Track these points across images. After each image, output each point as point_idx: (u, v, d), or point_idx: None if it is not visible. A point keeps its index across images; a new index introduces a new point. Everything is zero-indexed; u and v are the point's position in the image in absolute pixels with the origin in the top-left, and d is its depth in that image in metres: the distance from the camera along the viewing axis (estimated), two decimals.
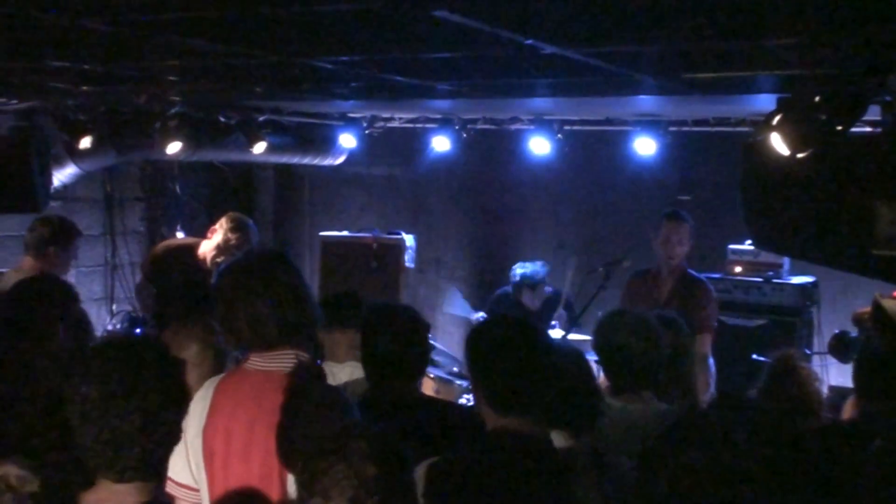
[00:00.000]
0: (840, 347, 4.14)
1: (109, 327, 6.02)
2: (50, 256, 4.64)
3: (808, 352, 5.39)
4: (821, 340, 5.57)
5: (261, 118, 6.02)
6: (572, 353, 2.82)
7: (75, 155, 5.81)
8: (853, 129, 3.10)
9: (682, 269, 5.07)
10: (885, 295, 3.60)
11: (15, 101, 5.39)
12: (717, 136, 5.70)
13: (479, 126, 6.27)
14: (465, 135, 6.27)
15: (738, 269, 5.86)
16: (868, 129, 4.08)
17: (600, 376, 3.28)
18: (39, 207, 5.29)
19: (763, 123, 3.14)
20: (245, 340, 2.49)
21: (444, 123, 6.21)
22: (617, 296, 5.27)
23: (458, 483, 2.21)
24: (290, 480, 2.40)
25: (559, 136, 5.90)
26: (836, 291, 5.86)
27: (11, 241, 4.96)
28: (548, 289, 5.94)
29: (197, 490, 2.49)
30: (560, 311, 5.64)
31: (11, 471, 1.75)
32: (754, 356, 4.96)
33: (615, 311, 3.21)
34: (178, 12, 2.60)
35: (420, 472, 2.06)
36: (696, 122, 5.62)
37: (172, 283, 3.81)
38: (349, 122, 6.70)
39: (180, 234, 7.07)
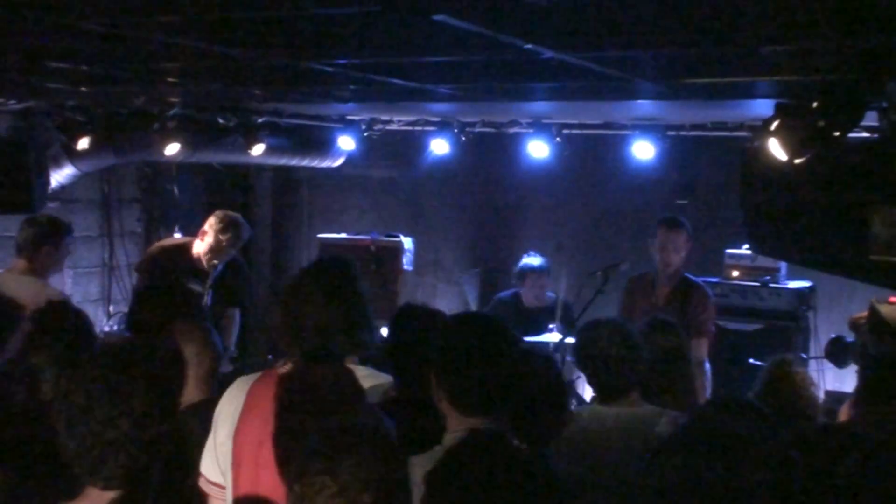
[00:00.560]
0: (836, 352, 4.15)
1: (106, 328, 6.01)
2: (42, 256, 4.62)
3: (804, 356, 5.40)
4: (817, 345, 5.57)
5: (259, 120, 6.03)
6: (542, 359, 2.82)
7: (73, 156, 5.80)
8: (850, 135, 3.11)
9: (679, 273, 5.08)
10: (882, 300, 3.61)
11: (13, 102, 5.39)
12: (714, 141, 5.71)
13: (478, 129, 6.27)
14: (463, 138, 6.28)
15: (735, 273, 5.87)
16: (865, 134, 4.09)
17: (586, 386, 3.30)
18: (37, 208, 5.28)
19: (761, 129, 3.15)
20: (307, 347, 2.40)
21: (443, 126, 6.22)
22: (615, 300, 5.27)
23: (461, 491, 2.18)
24: None
25: (558, 139, 5.91)
26: (832, 296, 5.87)
27: (9, 242, 4.94)
28: (549, 294, 5.94)
29: (224, 488, 2.44)
30: (558, 314, 5.64)
31: None
32: (751, 360, 4.98)
33: (592, 321, 3.25)
34: (177, 14, 2.61)
35: (417, 476, 2.04)
36: (694, 127, 5.63)
37: (150, 285, 3.76)
38: (348, 125, 6.70)
39: (178, 236, 7.06)
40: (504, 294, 6.08)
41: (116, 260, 6.92)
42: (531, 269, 5.85)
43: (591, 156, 6.41)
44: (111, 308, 6.81)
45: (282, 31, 2.84)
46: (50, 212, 5.47)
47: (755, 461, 2.00)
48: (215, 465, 2.43)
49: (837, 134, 2.82)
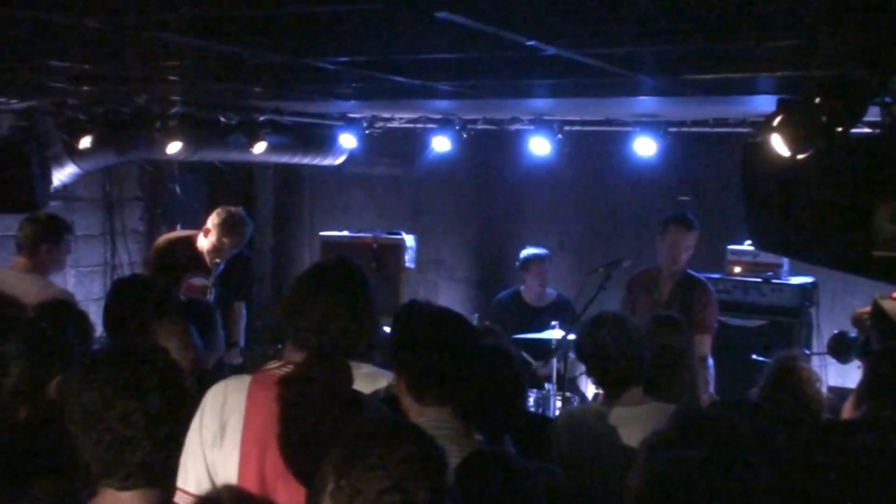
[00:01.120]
0: (839, 348, 4.14)
1: None
2: (42, 254, 4.63)
3: (806, 352, 5.40)
4: (820, 341, 5.57)
5: (261, 118, 6.03)
6: (502, 355, 2.83)
7: (75, 155, 5.80)
8: (853, 131, 3.11)
9: (682, 269, 5.08)
10: (885, 296, 3.61)
11: (15, 101, 5.39)
12: (716, 137, 5.70)
13: (480, 126, 6.27)
14: (465, 135, 6.28)
15: (737, 269, 5.87)
16: (867, 130, 4.08)
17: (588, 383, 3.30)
18: (39, 207, 5.28)
19: (764, 124, 3.15)
20: (309, 346, 2.36)
21: (445, 124, 6.22)
22: (617, 296, 5.27)
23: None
24: None
25: (559, 136, 5.90)
26: (835, 292, 5.87)
27: (11, 241, 4.95)
28: (552, 291, 5.93)
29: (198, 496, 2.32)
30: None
31: None
32: (753, 356, 4.97)
33: (594, 316, 3.25)
34: (179, 12, 2.61)
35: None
36: (696, 123, 5.62)
37: (132, 282, 3.71)
38: (349, 123, 6.70)
39: None
40: (504, 293, 6.08)
41: (119, 259, 6.93)
42: (534, 256, 5.86)
43: (593, 152, 6.40)
44: None
45: (284, 28, 2.84)
46: (52, 210, 5.47)
47: (750, 455, 2.00)
48: (205, 475, 2.29)
49: (840, 129, 2.81)
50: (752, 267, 5.81)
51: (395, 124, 6.69)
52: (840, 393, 4.24)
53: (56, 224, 4.77)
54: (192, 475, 2.28)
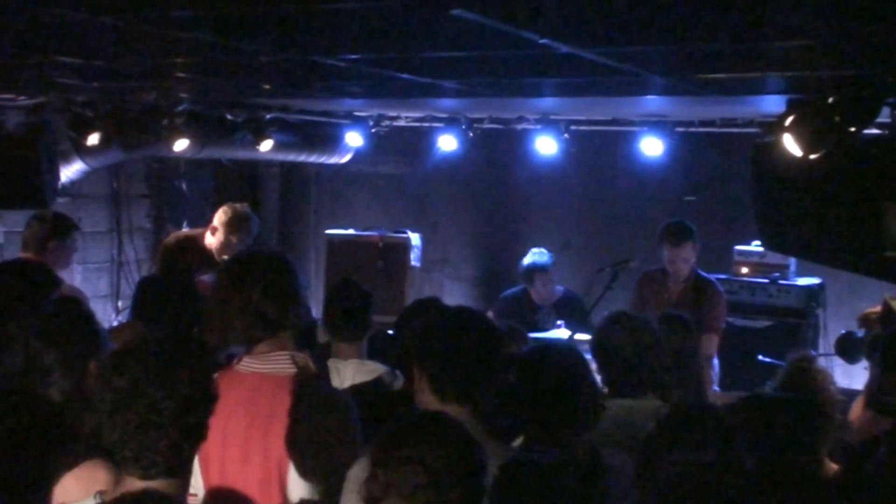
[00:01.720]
0: (847, 347, 4.13)
1: (115, 324, 6.02)
2: (49, 251, 4.64)
3: (813, 353, 5.39)
4: (826, 342, 5.57)
5: (268, 116, 6.03)
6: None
7: (82, 151, 5.81)
8: (863, 131, 3.10)
9: (692, 270, 5.08)
10: (895, 297, 3.60)
11: (24, 98, 5.39)
12: (723, 137, 5.70)
13: (486, 125, 6.27)
14: (471, 134, 6.28)
15: (744, 270, 5.86)
16: (877, 130, 4.08)
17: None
18: (47, 204, 5.29)
19: (775, 124, 3.14)
20: (233, 337, 2.47)
21: (451, 122, 6.22)
22: (624, 296, 5.27)
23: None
24: (291, 485, 2.37)
25: (566, 135, 5.90)
26: (841, 293, 5.86)
27: (19, 237, 4.97)
28: (559, 287, 5.91)
29: (196, 495, 2.41)
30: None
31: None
32: (760, 357, 4.97)
33: (613, 313, 3.24)
34: (188, 9, 2.60)
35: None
36: (703, 123, 5.62)
37: (154, 278, 3.79)
38: (355, 121, 6.70)
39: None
40: (510, 291, 6.06)
41: (125, 256, 6.94)
42: (538, 268, 5.78)
43: (599, 152, 6.40)
44: (120, 304, 6.83)
45: (297, 26, 2.84)
46: (59, 207, 5.48)
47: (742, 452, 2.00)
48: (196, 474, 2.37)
49: (853, 130, 2.81)
50: (759, 268, 5.81)
51: (401, 123, 6.70)
52: (847, 394, 4.24)
53: (62, 222, 4.79)
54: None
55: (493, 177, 7.23)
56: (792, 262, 5.75)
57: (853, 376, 5.06)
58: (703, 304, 4.88)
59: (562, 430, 2.52)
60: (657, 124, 5.65)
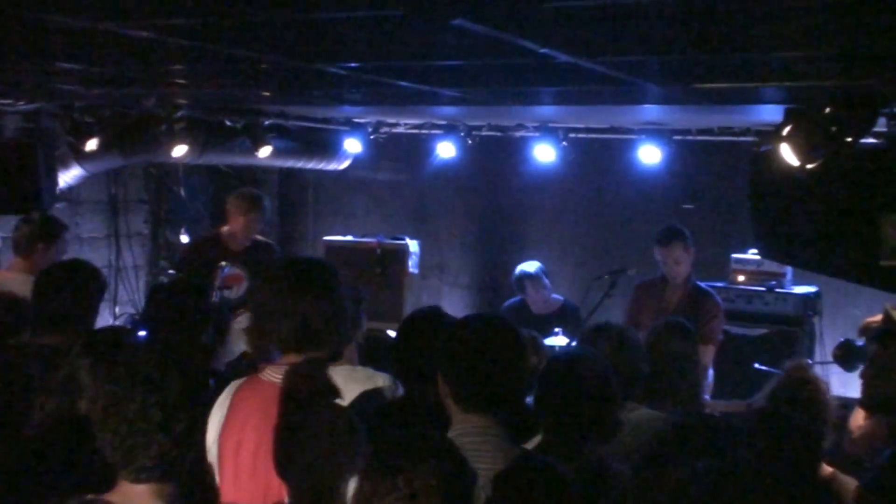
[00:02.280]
0: (845, 355, 4.14)
1: None
2: (38, 254, 4.62)
3: (809, 362, 5.40)
4: (822, 350, 5.58)
5: (266, 122, 6.04)
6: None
7: (81, 157, 5.81)
8: (860, 141, 3.12)
9: (690, 280, 5.08)
10: (895, 306, 3.61)
11: (22, 103, 5.41)
12: (721, 146, 5.72)
13: (484, 133, 6.29)
14: (469, 141, 6.29)
15: (740, 277, 5.88)
16: (873, 140, 4.10)
17: None
18: (45, 209, 5.29)
19: (773, 133, 3.16)
20: (276, 345, 2.44)
21: (450, 130, 6.23)
22: (621, 304, 5.28)
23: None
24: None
25: (564, 143, 5.92)
26: (837, 301, 5.88)
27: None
28: (557, 297, 5.93)
29: None
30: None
31: None
32: (756, 365, 4.98)
33: (594, 325, 3.24)
34: (187, 16, 2.61)
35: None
36: (701, 131, 5.64)
37: (166, 284, 3.85)
38: (354, 127, 6.71)
39: (184, 238, 7.09)
40: (511, 301, 6.07)
41: (123, 261, 6.93)
42: (526, 276, 5.82)
43: (597, 160, 6.42)
44: (117, 309, 6.82)
45: (298, 34, 2.85)
46: (57, 213, 5.48)
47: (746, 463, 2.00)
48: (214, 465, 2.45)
49: (850, 139, 2.83)
50: (756, 276, 5.82)
51: (399, 129, 6.71)
52: (843, 402, 4.24)
53: (50, 223, 4.77)
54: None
55: (491, 184, 7.25)
56: (788, 270, 5.76)
57: (849, 385, 5.07)
58: (701, 315, 4.88)
59: (578, 440, 2.51)
60: (655, 132, 5.68)
